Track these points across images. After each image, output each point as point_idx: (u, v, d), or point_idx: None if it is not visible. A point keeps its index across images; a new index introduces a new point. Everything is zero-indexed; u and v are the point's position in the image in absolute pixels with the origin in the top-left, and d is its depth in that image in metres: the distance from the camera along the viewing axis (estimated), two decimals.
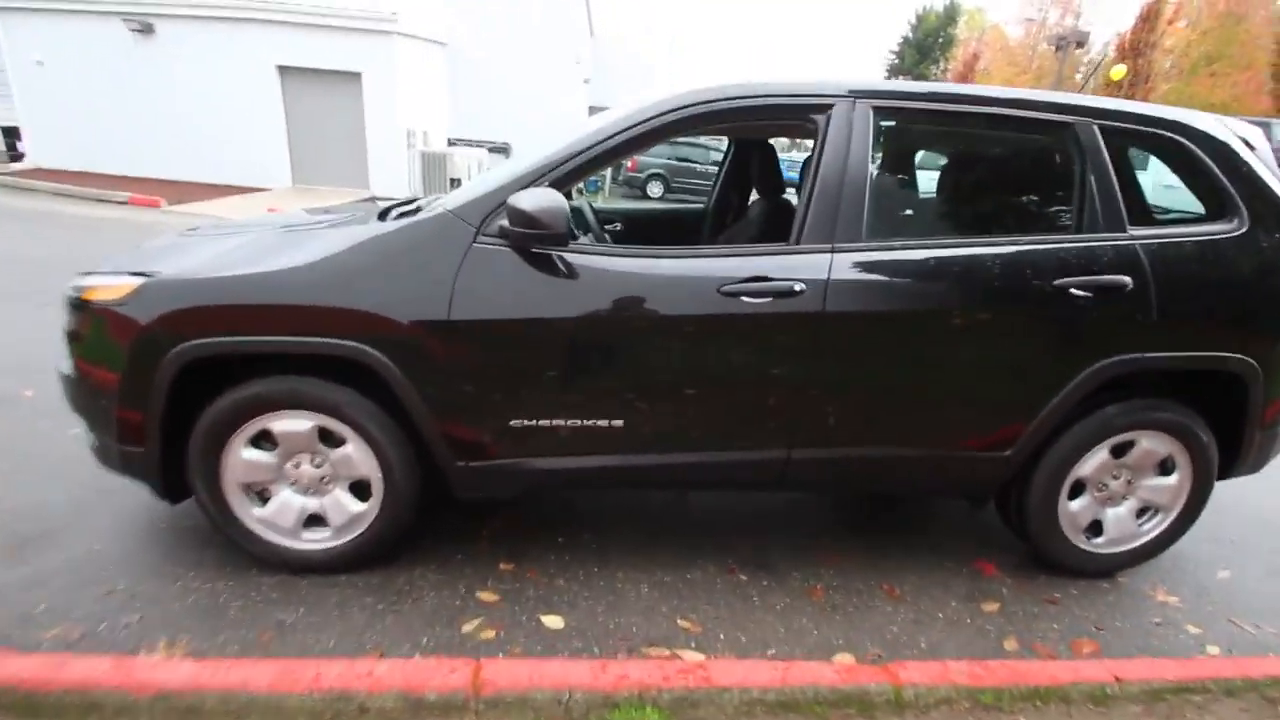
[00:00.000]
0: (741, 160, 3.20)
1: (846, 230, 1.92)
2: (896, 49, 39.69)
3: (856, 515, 2.69)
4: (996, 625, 2.09)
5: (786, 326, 1.90)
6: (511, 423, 1.92)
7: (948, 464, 2.14)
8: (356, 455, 1.94)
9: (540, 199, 1.73)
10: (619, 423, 1.95)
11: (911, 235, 2.00)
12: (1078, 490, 2.23)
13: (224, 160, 12.21)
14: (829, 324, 1.90)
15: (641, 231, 3.29)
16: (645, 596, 2.09)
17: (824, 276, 1.88)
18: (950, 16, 38.91)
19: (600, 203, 3.35)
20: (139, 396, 1.83)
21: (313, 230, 2.04)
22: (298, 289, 1.79)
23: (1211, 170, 2.09)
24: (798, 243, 1.93)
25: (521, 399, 1.91)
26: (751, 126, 2.53)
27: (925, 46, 37.88)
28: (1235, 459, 2.24)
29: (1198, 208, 2.19)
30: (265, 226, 2.23)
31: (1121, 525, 2.29)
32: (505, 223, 1.79)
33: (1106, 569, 2.35)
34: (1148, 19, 23.98)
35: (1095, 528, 2.30)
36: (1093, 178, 2.02)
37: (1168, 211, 2.47)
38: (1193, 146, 2.08)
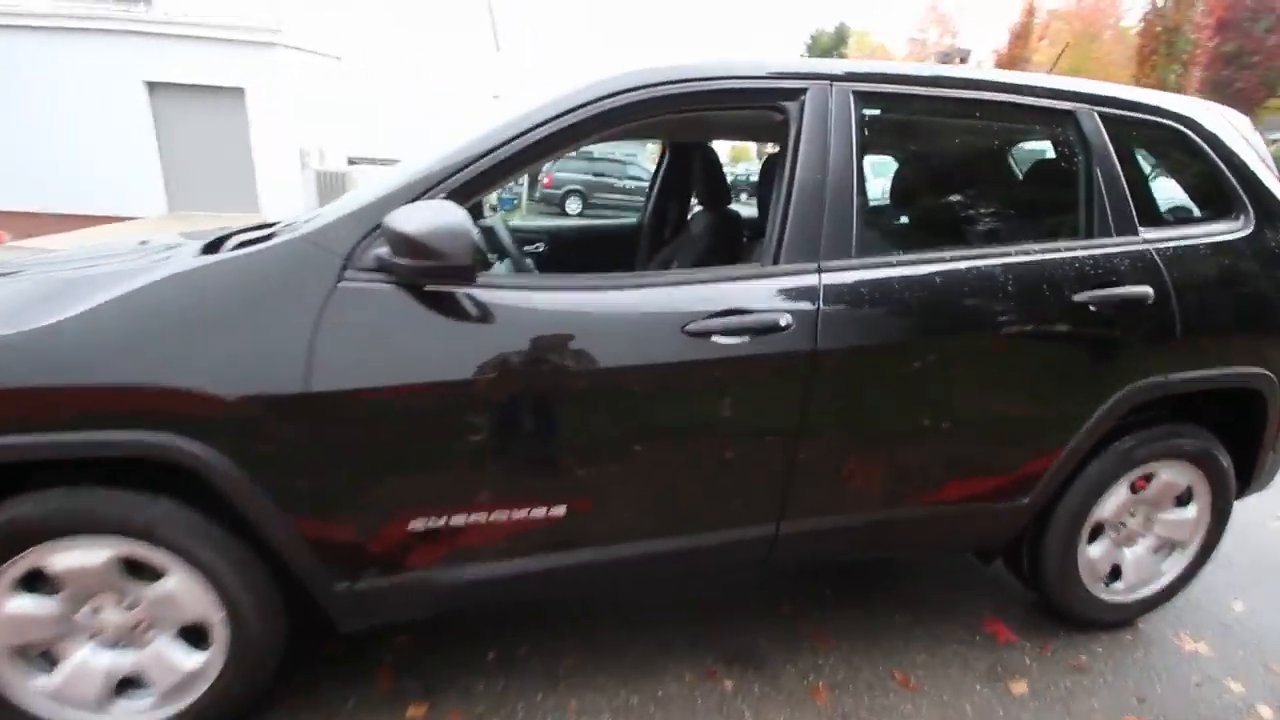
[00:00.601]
0: (679, 167, 2.80)
1: (833, 245, 1.53)
2: None
3: (839, 577, 2.30)
4: (1032, 711, 1.73)
5: (770, 372, 1.48)
6: (411, 525, 1.39)
7: (961, 519, 1.78)
8: (183, 590, 1.35)
9: (430, 217, 1.22)
10: (559, 510, 1.46)
11: (910, 247, 1.63)
12: (1095, 534, 1.94)
13: (86, 187, 10.77)
14: (822, 365, 1.49)
15: (570, 252, 2.82)
16: None
17: (813, 305, 1.48)
18: (841, 37, 41.16)
19: (518, 220, 2.83)
20: None
21: (128, 266, 1.41)
22: (65, 360, 1.20)
23: (1216, 165, 1.86)
24: (775, 263, 1.52)
25: (423, 491, 1.39)
26: (703, 120, 2.10)
27: None
28: (1248, 479, 2.02)
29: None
30: (91, 260, 1.57)
31: (1141, 567, 2.01)
32: (384, 251, 1.29)
33: (1128, 617, 2.07)
34: (1021, 36, 25.95)
35: (1114, 573, 2.01)
36: (1099, 173, 1.74)
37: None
38: (1197, 139, 1.84)
